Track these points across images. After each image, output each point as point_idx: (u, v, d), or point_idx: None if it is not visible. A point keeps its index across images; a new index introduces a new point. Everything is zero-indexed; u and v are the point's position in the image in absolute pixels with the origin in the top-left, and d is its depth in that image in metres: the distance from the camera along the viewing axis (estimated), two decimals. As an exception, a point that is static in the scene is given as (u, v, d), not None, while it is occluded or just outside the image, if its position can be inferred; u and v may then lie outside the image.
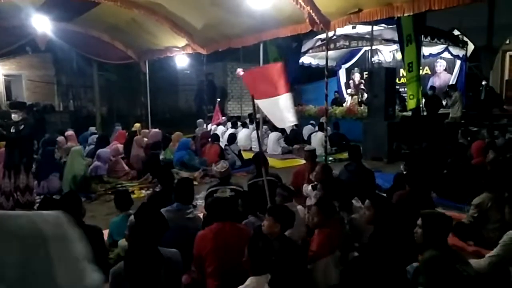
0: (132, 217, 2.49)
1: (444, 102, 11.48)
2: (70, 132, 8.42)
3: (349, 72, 15.05)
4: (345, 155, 7.95)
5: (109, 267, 2.37)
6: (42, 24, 7.69)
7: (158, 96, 14.60)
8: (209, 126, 11.06)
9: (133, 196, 4.77)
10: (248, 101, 16.05)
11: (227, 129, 10.82)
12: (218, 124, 11.13)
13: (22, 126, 5.10)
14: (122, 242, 3.22)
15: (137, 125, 10.12)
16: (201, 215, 3.84)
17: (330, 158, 8.19)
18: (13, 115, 5.30)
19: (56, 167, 5.98)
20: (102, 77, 14.38)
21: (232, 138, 8.41)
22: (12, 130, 5.10)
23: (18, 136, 5.05)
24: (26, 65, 14.63)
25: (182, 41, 8.76)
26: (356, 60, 14.69)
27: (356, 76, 14.36)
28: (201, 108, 14.25)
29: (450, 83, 12.34)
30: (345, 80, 15.25)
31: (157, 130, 8.59)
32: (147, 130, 9.28)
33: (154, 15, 7.49)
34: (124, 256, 2.19)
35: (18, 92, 14.65)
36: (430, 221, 2.33)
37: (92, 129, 9.88)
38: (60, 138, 7.48)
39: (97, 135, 8.70)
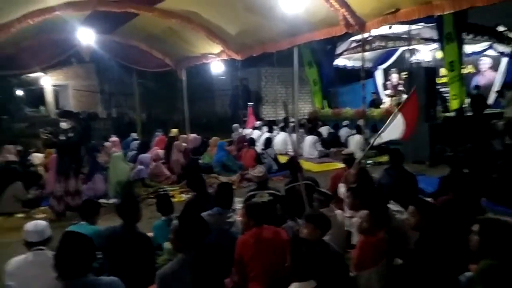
0: (175, 221, 2.57)
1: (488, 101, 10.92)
2: (114, 138, 8.82)
3: (386, 73, 14.66)
4: (384, 158, 7.74)
5: (156, 270, 2.47)
6: (87, 36, 8.11)
7: (194, 102, 14.93)
8: (244, 131, 11.15)
9: (173, 200, 4.90)
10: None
11: (263, 133, 10.87)
12: (254, 128, 11.20)
13: (71, 134, 5.41)
14: (168, 245, 3.31)
15: (175, 130, 10.38)
16: (239, 219, 3.88)
17: (369, 162, 8.01)
18: (62, 124, 5.63)
19: (101, 171, 6.27)
20: (142, 84, 14.92)
21: (268, 142, 8.45)
22: (62, 137, 5.42)
23: (68, 143, 5.35)
24: (72, 75, 15.47)
25: (217, 48, 8.94)
26: (394, 61, 14.29)
27: (394, 77, 13.95)
28: (236, 112, 14.41)
29: (496, 81, 11.71)
30: (382, 81, 14.87)
31: (196, 135, 8.79)
32: (185, 136, 9.52)
33: (189, 23, 7.70)
34: (191, 260, 2.26)
35: (65, 101, 15.51)
36: (489, 229, 2.20)
37: (134, 135, 10.25)
38: (108, 144, 7.83)
39: (138, 141, 9.03)
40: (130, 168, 6.62)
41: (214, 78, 16.13)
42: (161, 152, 7.82)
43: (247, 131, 11.09)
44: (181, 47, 9.69)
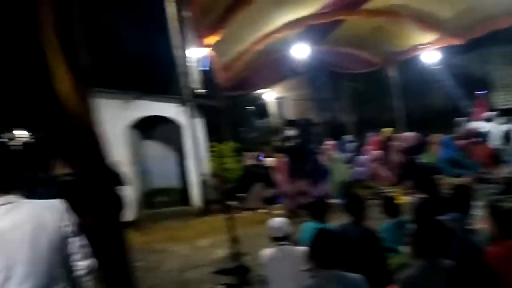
0: (412, 224, 2.50)
1: None
2: (330, 142, 9.32)
3: None
4: None
5: (387, 272, 2.47)
6: (301, 51, 8.92)
7: (407, 98, 14.17)
8: (472, 124, 9.69)
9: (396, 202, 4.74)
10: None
11: (498, 125, 9.14)
12: (485, 120, 9.62)
13: (296, 140, 6.10)
14: (404, 248, 3.25)
15: (387, 130, 10.06)
16: (480, 228, 3.40)
17: None
18: (287, 131, 6.42)
19: (324, 173, 6.73)
20: (350, 87, 15.22)
21: (508, 135, 7.08)
22: (290, 143, 6.18)
23: (294, 148, 6.06)
24: (289, 87, 17.27)
25: (430, 37, 8.21)
26: None
27: None
28: (458, 104, 12.78)
29: None
30: None
31: (412, 133, 8.31)
32: (401, 134, 9.08)
33: (398, 17, 7.36)
34: (440, 267, 2.21)
35: (286, 111, 17.49)
36: None
37: (348, 137, 10.53)
38: (326, 147, 8.36)
39: (353, 143, 9.23)
40: (349, 169, 6.85)
41: (428, 69, 14.78)
42: (378, 152, 7.73)
43: (476, 124, 9.58)
44: (389, 43, 9.36)
